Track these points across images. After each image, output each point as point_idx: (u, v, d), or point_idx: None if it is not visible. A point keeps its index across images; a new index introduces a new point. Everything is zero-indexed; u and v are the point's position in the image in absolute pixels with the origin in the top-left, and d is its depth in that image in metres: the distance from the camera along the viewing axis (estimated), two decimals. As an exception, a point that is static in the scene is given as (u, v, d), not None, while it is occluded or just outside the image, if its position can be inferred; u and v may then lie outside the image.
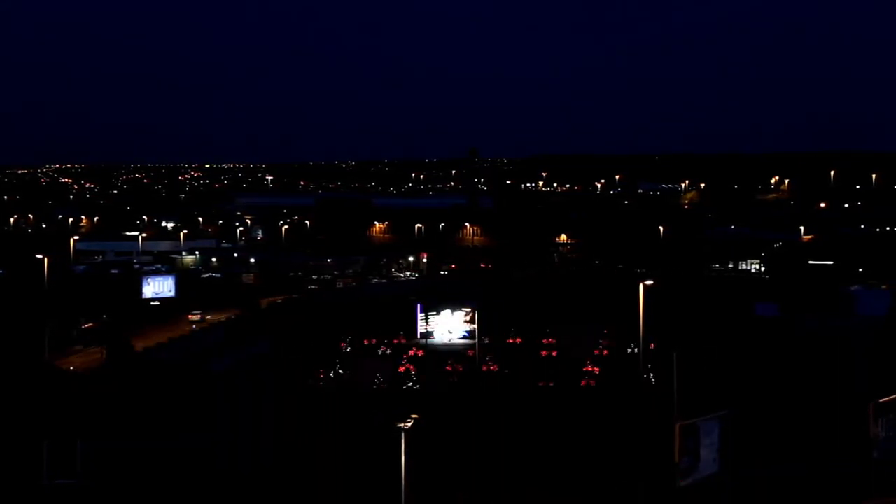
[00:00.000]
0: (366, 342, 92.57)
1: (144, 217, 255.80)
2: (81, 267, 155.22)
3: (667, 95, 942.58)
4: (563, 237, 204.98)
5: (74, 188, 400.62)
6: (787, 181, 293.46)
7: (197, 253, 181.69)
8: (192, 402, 67.35)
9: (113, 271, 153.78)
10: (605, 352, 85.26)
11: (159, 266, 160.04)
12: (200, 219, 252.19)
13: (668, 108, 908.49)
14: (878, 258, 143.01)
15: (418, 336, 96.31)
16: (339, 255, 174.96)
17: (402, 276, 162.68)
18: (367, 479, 49.40)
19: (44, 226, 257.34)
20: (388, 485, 43.57)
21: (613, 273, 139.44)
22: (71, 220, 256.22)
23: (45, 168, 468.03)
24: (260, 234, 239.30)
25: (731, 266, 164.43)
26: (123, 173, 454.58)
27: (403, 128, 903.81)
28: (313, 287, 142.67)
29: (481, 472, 51.97)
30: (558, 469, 52.27)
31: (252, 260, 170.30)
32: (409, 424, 42.12)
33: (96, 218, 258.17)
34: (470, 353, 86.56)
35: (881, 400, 55.39)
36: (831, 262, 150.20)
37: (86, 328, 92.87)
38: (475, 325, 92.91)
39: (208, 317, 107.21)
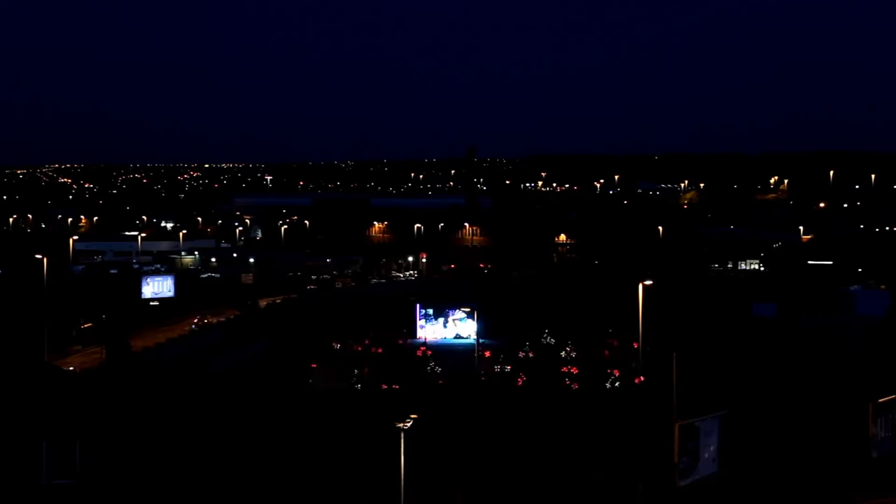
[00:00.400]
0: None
1: (143, 217, 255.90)
2: (80, 267, 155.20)
3: (666, 95, 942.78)
4: (562, 237, 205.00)
5: (74, 188, 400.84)
6: (786, 181, 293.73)
7: (196, 253, 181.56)
8: (191, 402, 67.44)
9: (112, 271, 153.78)
10: (606, 352, 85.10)
11: (158, 266, 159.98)
12: (199, 219, 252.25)
13: (668, 108, 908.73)
14: (878, 258, 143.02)
15: (417, 336, 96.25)
16: (337, 255, 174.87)
17: (402, 276, 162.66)
18: (366, 478, 49.42)
19: (43, 226, 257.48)
20: (388, 484, 43.62)
21: (613, 273, 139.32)
22: (70, 219, 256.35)
23: (45, 168, 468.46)
24: (259, 234, 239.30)
25: (730, 266, 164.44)
26: (123, 173, 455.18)
27: (403, 128, 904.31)
28: (312, 287, 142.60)
29: (479, 471, 51.97)
30: (558, 469, 52.26)
31: (251, 260, 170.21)
32: (409, 424, 42.13)
33: (95, 218, 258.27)
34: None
35: (880, 400, 55.51)
36: (830, 263, 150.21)
37: (85, 328, 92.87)
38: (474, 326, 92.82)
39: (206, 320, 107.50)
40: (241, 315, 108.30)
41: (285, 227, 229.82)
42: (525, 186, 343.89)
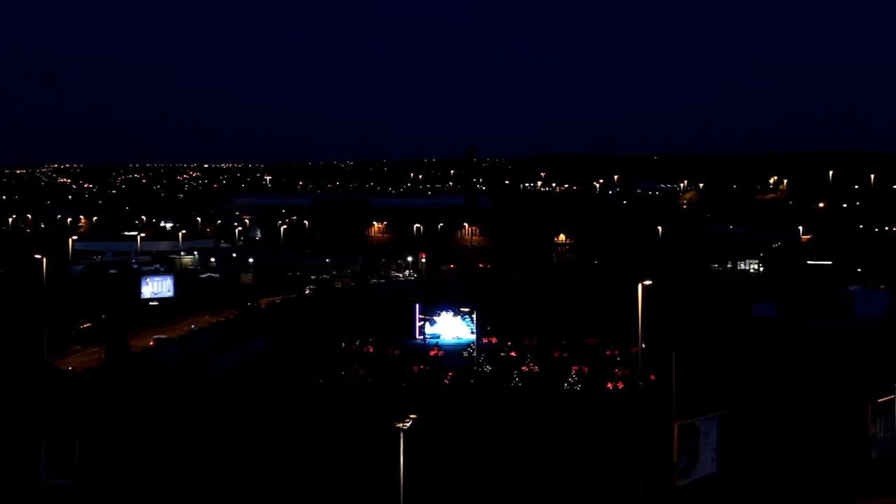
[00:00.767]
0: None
1: (143, 217, 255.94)
2: (80, 267, 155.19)
3: (666, 95, 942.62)
4: (562, 237, 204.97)
5: (73, 188, 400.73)
6: (785, 181, 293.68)
7: (195, 253, 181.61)
8: (189, 402, 67.41)
9: (111, 271, 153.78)
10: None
11: (158, 266, 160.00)
12: (199, 219, 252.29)
13: (668, 108, 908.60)
14: (877, 258, 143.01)
15: (417, 336, 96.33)
16: (337, 255, 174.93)
17: (401, 275, 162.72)
18: (366, 478, 49.40)
19: (42, 226, 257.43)
20: (388, 484, 43.60)
21: (612, 273, 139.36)
22: (69, 219, 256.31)
23: (44, 168, 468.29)
24: (258, 234, 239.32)
25: (729, 266, 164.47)
26: (122, 173, 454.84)
27: (402, 128, 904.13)
28: (311, 287, 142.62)
29: (479, 472, 51.97)
30: (557, 469, 52.26)
31: (250, 260, 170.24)
32: (408, 424, 42.11)
33: (95, 218, 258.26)
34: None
35: (879, 400, 55.50)
36: (830, 263, 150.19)
37: (84, 328, 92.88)
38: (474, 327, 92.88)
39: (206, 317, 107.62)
40: (239, 315, 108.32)
41: (285, 227, 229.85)
42: (524, 186, 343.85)
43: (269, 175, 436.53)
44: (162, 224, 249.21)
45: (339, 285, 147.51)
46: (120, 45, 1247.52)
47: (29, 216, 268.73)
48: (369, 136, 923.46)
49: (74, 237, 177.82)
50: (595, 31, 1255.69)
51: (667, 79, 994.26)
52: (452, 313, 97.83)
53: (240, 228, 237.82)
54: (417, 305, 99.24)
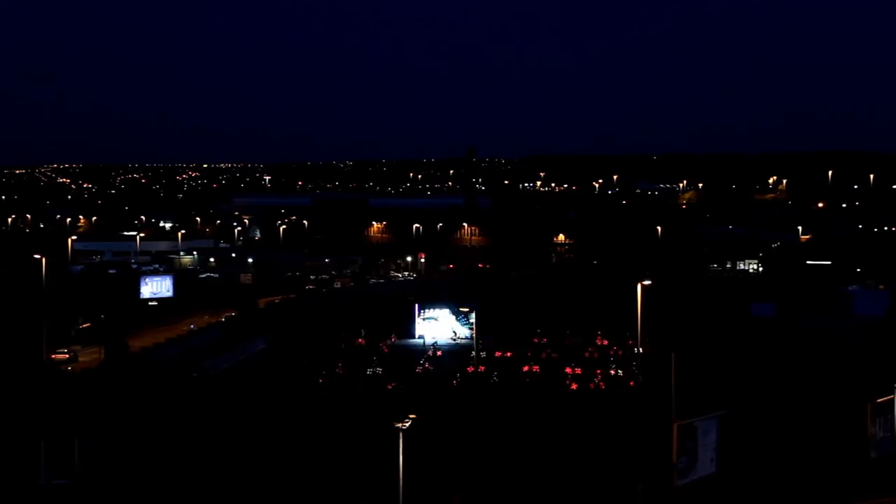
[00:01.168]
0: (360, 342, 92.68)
1: (142, 217, 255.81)
2: (79, 267, 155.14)
3: (666, 95, 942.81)
4: (561, 237, 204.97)
5: (72, 188, 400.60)
6: (784, 181, 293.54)
7: (195, 253, 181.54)
8: (189, 402, 67.44)
9: (111, 271, 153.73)
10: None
11: (157, 266, 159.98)
12: (198, 219, 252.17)
13: (667, 108, 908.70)
14: (876, 258, 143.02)
15: (416, 336, 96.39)
16: (336, 255, 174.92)
17: (400, 276, 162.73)
18: (366, 478, 49.40)
19: (42, 225, 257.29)
20: (387, 485, 43.59)
21: (611, 273, 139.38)
22: (69, 219, 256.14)
23: (43, 168, 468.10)
24: (257, 234, 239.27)
25: (728, 266, 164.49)
26: (121, 173, 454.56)
27: (401, 127, 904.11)
28: (311, 287, 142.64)
29: (479, 472, 51.96)
30: (556, 469, 52.25)
31: (249, 260, 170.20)
32: (407, 424, 42.10)
33: (94, 218, 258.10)
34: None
35: (878, 400, 55.51)
36: (829, 263, 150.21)
37: (84, 328, 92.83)
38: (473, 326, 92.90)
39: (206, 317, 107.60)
40: (239, 315, 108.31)
41: (284, 227, 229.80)
42: (524, 186, 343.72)
43: (268, 175, 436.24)
44: (161, 224, 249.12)
45: (339, 285, 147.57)
46: (120, 45, 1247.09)
47: (28, 216, 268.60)
48: (369, 136, 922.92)
49: (74, 237, 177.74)
50: (595, 31, 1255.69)
51: (667, 79, 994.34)
52: (448, 311, 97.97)
53: (239, 228, 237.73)
54: (417, 305, 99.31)
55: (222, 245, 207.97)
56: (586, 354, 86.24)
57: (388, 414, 46.75)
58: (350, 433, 58.19)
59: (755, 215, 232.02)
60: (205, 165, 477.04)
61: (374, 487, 47.03)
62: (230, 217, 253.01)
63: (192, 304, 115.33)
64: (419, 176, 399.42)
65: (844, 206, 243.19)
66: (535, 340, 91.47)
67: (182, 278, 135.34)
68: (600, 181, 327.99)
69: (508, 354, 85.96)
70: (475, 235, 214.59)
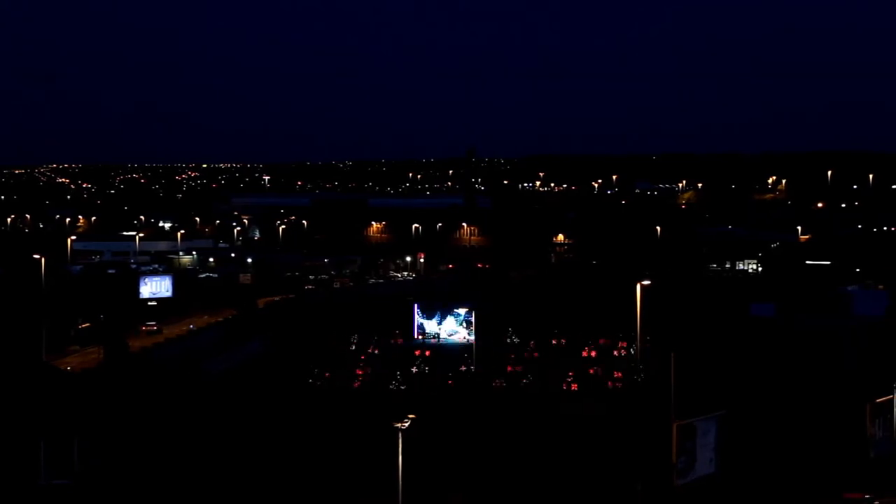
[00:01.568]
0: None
1: (141, 217, 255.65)
2: (78, 267, 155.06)
3: (665, 95, 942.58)
4: (560, 237, 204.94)
5: (72, 188, 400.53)
6: (783, 181, 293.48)
7: (194, 253, 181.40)
8: (188, 402, 67.45)
9: (110, 271, 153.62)
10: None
11: (156, 266, 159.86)
12: (197, 219, 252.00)
13: (667, 108, 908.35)
14: (876, 258, 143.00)
15: (416, 336, 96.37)
16: (335, 255, 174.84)
17: (399, 276, 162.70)
18: (365, 478, 49.41)
19: (41, 226, 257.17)
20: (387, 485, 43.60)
21: (611, 273, 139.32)
22: (68, 219, 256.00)
23: (43, 168, 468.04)
24: (257, 234, 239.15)
25: (728, 266, 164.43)
26: (121, 173, 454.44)
27: (401, 127, 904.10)
28: (310, 287, 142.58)
29: (477, 472, 51.99)
30: (555, 469, 52.29)
31: (249, 260, 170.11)
32: (406, 424, 42.11)
33: (93, 218, 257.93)
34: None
35: (877, 400, 55.52)
36: (828, 263, 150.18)
37: (83, 328, 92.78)
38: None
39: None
40: (238, 315, 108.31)
41: (283, 227, 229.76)
42: (523, 186, 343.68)
43: (267, 175, 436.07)
44: (160, 224, 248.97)
45: (338, 285, 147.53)
46: (120, 45, 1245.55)
47: (28, 216, 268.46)
48: (368, 136, 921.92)
49: (73, 237, 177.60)
50: (595, 31, 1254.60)
51: (667, 79, 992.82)
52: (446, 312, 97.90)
53: (238, 228, 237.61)
54: (416, 305, 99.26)
55: (221, 245, 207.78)
56: (585, 353, 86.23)
57: (387, 414, 46.75)
58: (350, 433, 58.23)
59: (755, 215, 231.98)
60: (204, 165, 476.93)
61: (374, 487, 47.08)
62: (229, 217, 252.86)
63: (192, 304, 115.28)
64: (419, 176, 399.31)
65: (844, 206, 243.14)
66: (532, 342, 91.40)
67: (181, 278, 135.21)
68: (599, 181, 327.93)
69: (512, 356, 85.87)
70: (475, 235, 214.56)
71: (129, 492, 49.09)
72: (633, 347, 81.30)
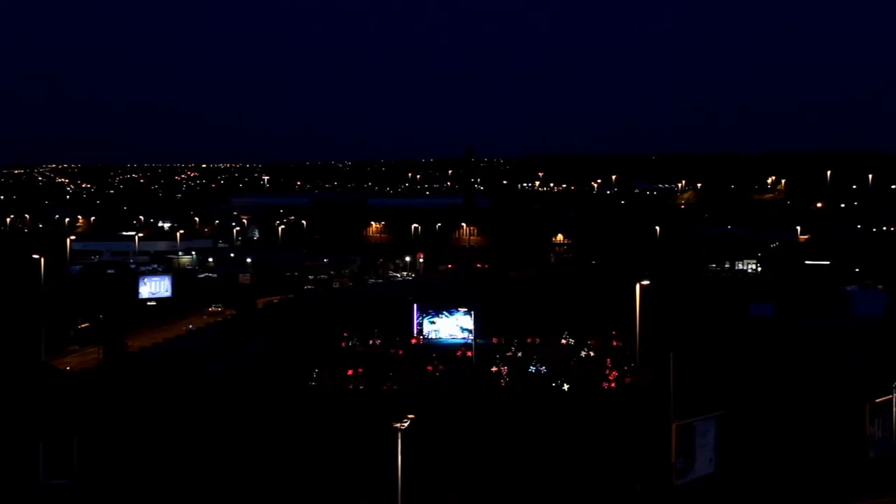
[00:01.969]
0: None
1: (141, 217, 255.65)
2: (78, 267, 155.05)
3: (664, 95, 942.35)
4: (560, 237, 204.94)
5: (71, 188, 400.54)
6: (783, 181, 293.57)
7: (193, 253, 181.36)
8: (188, 402, 67.44)
9: (109, 271, 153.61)
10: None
11: (156, 266, 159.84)
12: (197, 219, 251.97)
13: (666, 107, 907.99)
14: (875, 258, 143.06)
15: (415, 336, 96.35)
16: (335, 255, 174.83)
17: (399, 276, 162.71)
18: (364, 478, 49.41)
19: (40, 226, 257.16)
20: (385, 485, 43.59)
21: (610, 273, 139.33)
22: (67, 219, 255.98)
23: (42, 168, 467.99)
24: (256, 234, 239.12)
25: (727, 266, 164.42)
26: (120, 173, 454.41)
27: (400, 127, 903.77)
28: (309, 287, 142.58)
29: (476, 472, 51.97)
30: (554, 469, 52.27)
31: (248, 260, 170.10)
32: (406, 425, 42.10)
33: (93, 218, 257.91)
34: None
35: (877, 400, 55.54)
36: (828, 263, 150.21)
37: (82, 328, 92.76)
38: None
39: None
40: (238, 315, 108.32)
41: (283, 227, 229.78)
42: (523, 186, 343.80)
43: (267, 175, 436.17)
44: (160, 224, 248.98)
45: (337, 285, 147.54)
46: (120, 45, 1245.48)
47: (27, 216, 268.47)
48: (368, 136, 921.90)
49: (72, 237, 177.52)
50: (595, 31, 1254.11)
51: (667, 79, 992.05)
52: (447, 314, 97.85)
53: (238, 228, 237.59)
54: (415, 305, 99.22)
55: (221, 245, 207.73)
56: (584, 353, 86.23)
57: (386, 414, 46.74)
58: (350, 433, 58.23)
59: (754, 215, 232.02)
60: (203, 165, 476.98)
61: (373, 487, 47.08)
62: (229, 217, 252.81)
63: (191, 304, 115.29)
64: (418, 176, 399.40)
65: (843, 206, 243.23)
66: (530, 340, 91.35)
67: (181, 278, 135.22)
68: (599, 181, 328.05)
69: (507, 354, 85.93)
70: (474, 235, 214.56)
71: (128, 492, 49.07)
72: (628, 348, 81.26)
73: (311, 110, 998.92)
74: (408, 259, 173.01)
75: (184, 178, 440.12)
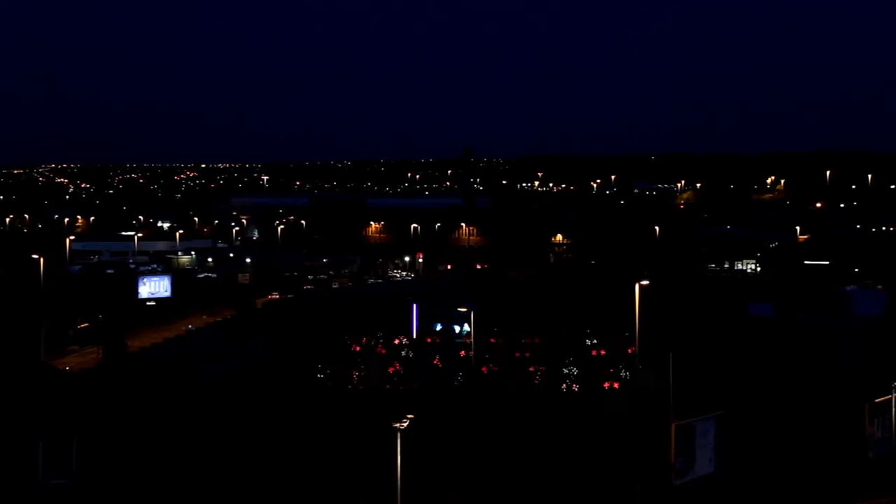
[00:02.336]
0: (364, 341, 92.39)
1: (140, 217, 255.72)
2: (77, 267, 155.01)
3: (664, 95, 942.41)
4: (560, 237, 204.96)
5: (70, 188, 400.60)
6: (782, 181, 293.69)
7: (193, 253, 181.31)
8: (188, 402, 67.43)
9: (109, 271, 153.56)
10: (603, 351, 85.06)
11: (155, 266, 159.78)
12: (196, 219, 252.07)
13: (665, 107, 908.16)
14: (875, 258, 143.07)
15: (414, 336, 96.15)
16: (334, 254, 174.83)
17: (398, 276, 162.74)
18: (363, 478, 49.40)
19: (40, 226, 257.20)
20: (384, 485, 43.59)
21: (609, 273, 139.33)
22: (67, 219, 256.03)
23: (41, 168, 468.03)
24: (255, 234, 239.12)
25: (726, 266, 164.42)
26: (119, 173, 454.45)
27: (400, 127, 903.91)
28: (309, 287, 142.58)
29: (475, 472, 51.97)
30: (553, 470, 52.26)
31: (248, 260, 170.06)
32: (405, 424, 42.10)
33: (92, 218, 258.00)
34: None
35: (876, 400, 55.56)
36: (827, 263, 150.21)
37: (82, 328, 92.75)
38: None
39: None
40: (237, 315, 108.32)
41: (282, 227, 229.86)
42: (522, 186, 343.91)
43: (266, 175, 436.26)
44: (159, 224, 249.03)
45: (337, 285, 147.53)
46: (120, 45, 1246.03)
47: (27, 216, 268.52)
48: (367, 136, 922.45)
49: (72, 237, 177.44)
50: (595, 31, 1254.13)
51: (667, 79, 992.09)
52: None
53: (237, 228, 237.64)
54: (415, 305, 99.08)
55: (220, 245, 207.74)
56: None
57: (385, 414, 46.75)
58: (349, 433, 58.22)
59: (754, 215, 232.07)
60: (203, 165, 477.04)
61: (372, 487, 47.07)
62: (228, 217, 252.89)
63: (191, 304, 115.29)
64: (417, 176, 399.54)
65: (843, 206, 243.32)
66: (528, 341, 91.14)
67: (180, 278, 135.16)
68: (598, 181, 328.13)
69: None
70: (473, 235, 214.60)
71: (128, 492, 49.07)
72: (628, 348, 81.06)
73: (310, 110, 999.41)
74: (407, 259, 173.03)
75: (183, 178, 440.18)
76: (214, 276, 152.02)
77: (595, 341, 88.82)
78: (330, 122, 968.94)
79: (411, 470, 42.87)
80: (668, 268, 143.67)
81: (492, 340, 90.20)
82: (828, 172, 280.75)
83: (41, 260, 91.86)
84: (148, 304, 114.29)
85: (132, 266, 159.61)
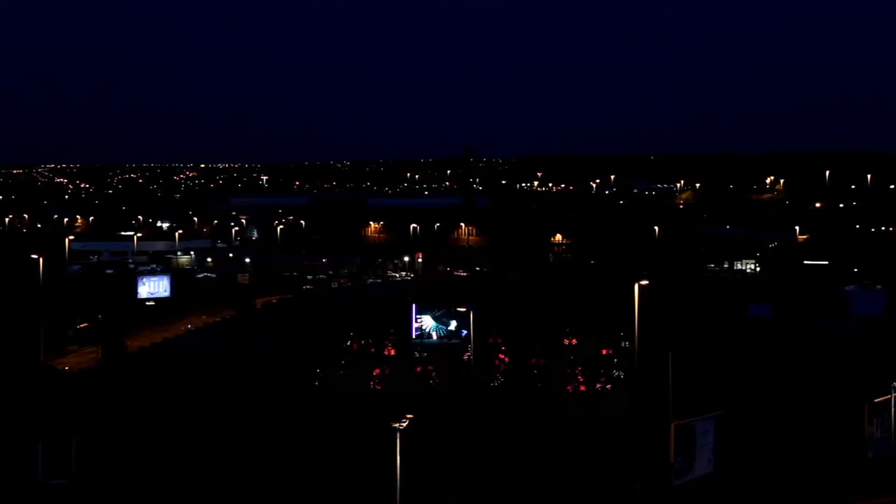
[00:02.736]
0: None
1: (140, 217, 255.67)
2: (77, 267, 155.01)
3: (664, 95, 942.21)
4: (559, 237, 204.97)
5: (70, 188, 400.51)
6: (782, 181, 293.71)
7: (192, 253, 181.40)
8: (187, 402, 67.40)
9: (108, 271, 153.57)
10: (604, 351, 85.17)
11: (154, 266, 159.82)
12: (196, 219, 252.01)
13: (665, 107, 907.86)
14: (874, 258, 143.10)
15: (413, 336, 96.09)
16: (334, 255, 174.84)
17: (398, 276, 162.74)
18: (362, 479, 49.40)
19: (39, 226, 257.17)
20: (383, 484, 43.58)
21: (609, 273, 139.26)
22: (66, 219, 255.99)
23: (41, 168, 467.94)
24: (255, 234, 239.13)
25: (726, 266, 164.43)
26: (119, 173, 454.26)
27: (399, 127, 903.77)
28: (308, 287, 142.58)
29: (474, 472, 51.97)
30: (552, 470, 52.27)
31: (247, 260, 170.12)
32: (404, 424, 42.09)
33: (91, 218, 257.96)
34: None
35: (876, 400, 55.58)
36: (826, 263, 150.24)
37: (81, 328, 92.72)
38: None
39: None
40: (237, 315, 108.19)
41: (281, 227, 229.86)
42: (521, 186, 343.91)
43: (265, 175, 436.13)
44: (159, 224, 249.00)
45: (336, 285, 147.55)
46: (120, 45, 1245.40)
47: (26, 216, 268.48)
48: (367, 136, 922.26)
49: (71, 237, 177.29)
50: (595, 30, 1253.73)
51: (667, 79, 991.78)
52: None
53: (237, 228, 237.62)
54: (414, 306, 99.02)
55: (220, 245, 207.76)
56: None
57: (385, 414, 46.76)
58: (349, 433, 58.23)
59: (753, 215, 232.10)
60: (202, 165, 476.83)
61: (371, 487, 47.07)
62: (228, 217, 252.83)
63: (190, 304, 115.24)
64: (417, 176, 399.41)
65: (843, 206, 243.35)
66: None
67: (180, 278, 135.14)
68: (598, 181, 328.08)
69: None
70: (473, 235, 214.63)
71: (128, 492, 49.05)
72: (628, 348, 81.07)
73: (310, 110, 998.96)
74: (406, 259, 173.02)
75: (183, 178, 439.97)
76: (214, 276, 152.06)
77: (596, 343, 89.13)
78: (330, 122, 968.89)
79: (411, 470, 42.88)
80: (667, 268, 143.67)
81: (489, 340, 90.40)
82: (827, 172, 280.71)
83: (40, 260, 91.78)
84: (147, 304, 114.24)
85: (131, 266, 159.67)
